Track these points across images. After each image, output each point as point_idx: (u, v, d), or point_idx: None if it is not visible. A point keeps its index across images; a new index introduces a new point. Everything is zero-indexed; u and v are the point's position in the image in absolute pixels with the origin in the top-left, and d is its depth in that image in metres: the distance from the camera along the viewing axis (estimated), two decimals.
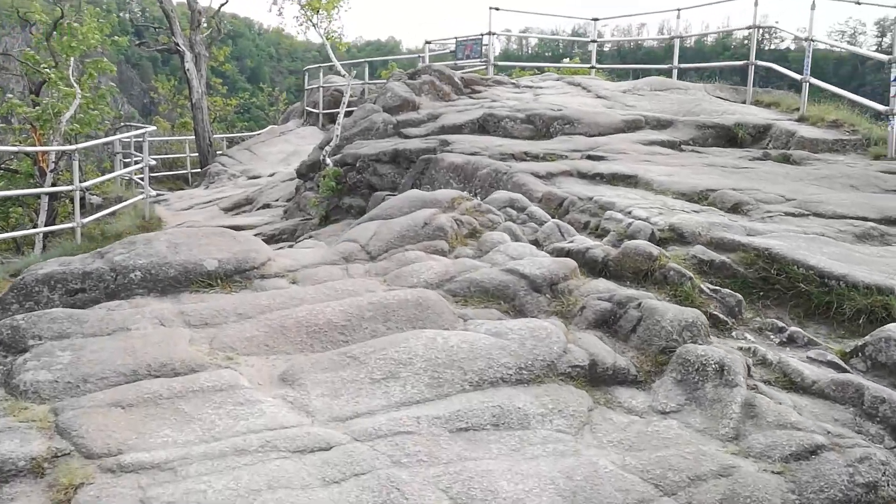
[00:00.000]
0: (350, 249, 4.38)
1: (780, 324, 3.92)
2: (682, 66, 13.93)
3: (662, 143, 9.16)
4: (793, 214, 5.93)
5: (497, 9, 14.65)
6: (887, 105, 8.48)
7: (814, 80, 10.37)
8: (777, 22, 11.44)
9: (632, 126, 9.90)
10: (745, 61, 12.38)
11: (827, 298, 4.21)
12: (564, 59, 16.87)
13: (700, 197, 6.41)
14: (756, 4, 12.18)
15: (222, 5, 22.80)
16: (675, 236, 5.03)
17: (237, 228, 11.03)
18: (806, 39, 10.33)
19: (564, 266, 3.94)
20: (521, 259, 4.08)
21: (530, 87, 12.89)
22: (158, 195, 17.15)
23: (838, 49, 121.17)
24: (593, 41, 15.24)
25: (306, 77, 23.04)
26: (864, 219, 5.82)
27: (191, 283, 3.98)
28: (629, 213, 5.42)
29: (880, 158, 8.31)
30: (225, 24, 30.77)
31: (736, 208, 6.13)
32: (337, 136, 10.32)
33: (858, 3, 9.61)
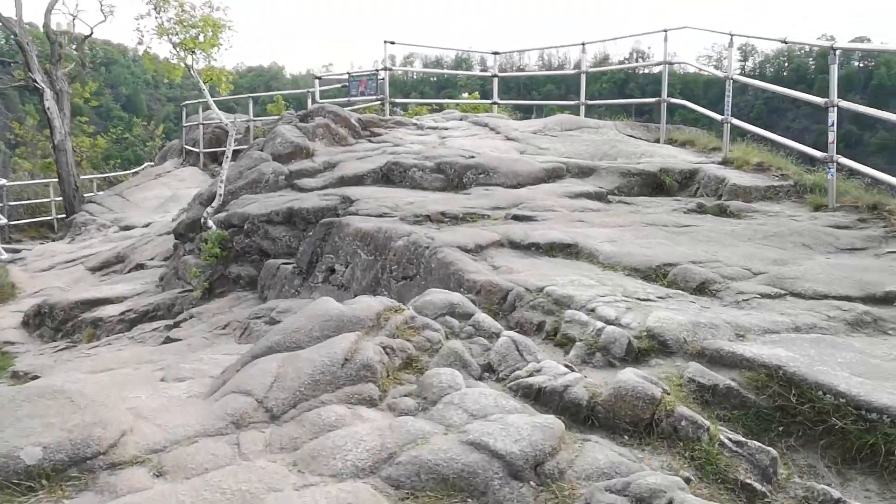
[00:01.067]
0: (242, 408, 3.11)
1: (833, 493, 2.93)
2: (591, 102, 13.26)
3: (589, 195, 8.27)
4: (769, 296, 5.05)
5: (393, 42, 13.60)
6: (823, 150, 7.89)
7: (735, 121, 9.78)
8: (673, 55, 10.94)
9: (553, 175, 8.99)
10: (658, 98, 11.77)
11: (870, 440, 3.27)
12: (463, 95, 16.02)
13: (658, 274, 5.47)
14: (666, 40, 11.60)
15: (87, 37, 20.74)
16: (657, 345, 4.01)
17: (103, 302, 9.45)
18: (726, 78, 9.73)
19: (549, 433, 2.82)
20: (486, 419, 2.93)
21: (434, 128, 11.86)
22: (14, 252, 15.10)
23: (706, 73, 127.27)
24: (495, 76, 14.40)
25: (184, 113, 21.28)
26: (848, 298, 5.01)
27: None
28: (592, 310, 4.38)
29: (821, 209, 7.68)
30: (96, 52, 28.46)
31: (703, 289, 5.21)
32: (220, 195, 8.92)
33: (785, 42, 9.09)
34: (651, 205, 8.35)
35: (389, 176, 9.35)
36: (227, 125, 10.00)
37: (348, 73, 14.82)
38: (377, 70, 13.92)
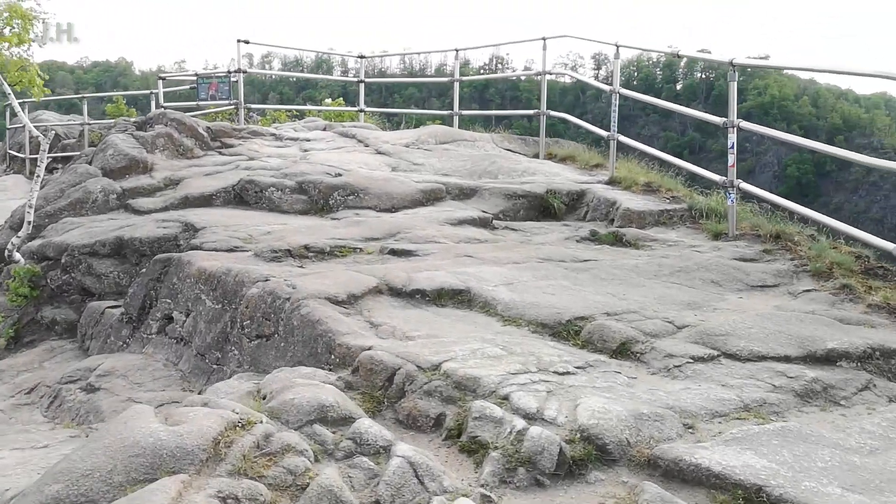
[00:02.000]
0: None
1: None
2: (466, 112, 12.40)
3: (474, 222, 7.34)
4: (702, 359, 4.26)
5: (247, 41, 12.22)
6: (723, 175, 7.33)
7: (623, 139, 9.14)
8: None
9: (431, 197, 7.99)
10: (537, 110, 11.05)
11: None
12: (326, 100, 14.79)
13: (570, 331, 4.57)
14: (545, 48, 10.89)
15: None
16: (594, 451, 3.07)
17: None
18: (611, 91, 9.07)
19: None
20: None
21: (295, 138, 10.59)
22: None
23: (562, 82, 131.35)
24: (361, 81, 13.26)
25: (8, 114, 18.80)
26: (787, 358, 4.30)
27: None
28: (505, 398, 3.38)
29: (721, 237, 7.07)
30: None
31: (624, 351, 4.34)
32: (28, 222, 7.31)
33: (677, 56, 8.52)
34: (540, 231, 7.52)
35: (243, 196, 8.05)
36: (36, 135, 8.31)
37: (196, 74, 13.25)
38: (229, 71, 12.47)
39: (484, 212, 7.80)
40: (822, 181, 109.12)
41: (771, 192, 7.89)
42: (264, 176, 8.26)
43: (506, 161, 9.96)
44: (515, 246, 6.59)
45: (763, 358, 4.29)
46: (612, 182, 8.99)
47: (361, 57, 13.53)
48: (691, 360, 4.21)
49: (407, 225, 6.92)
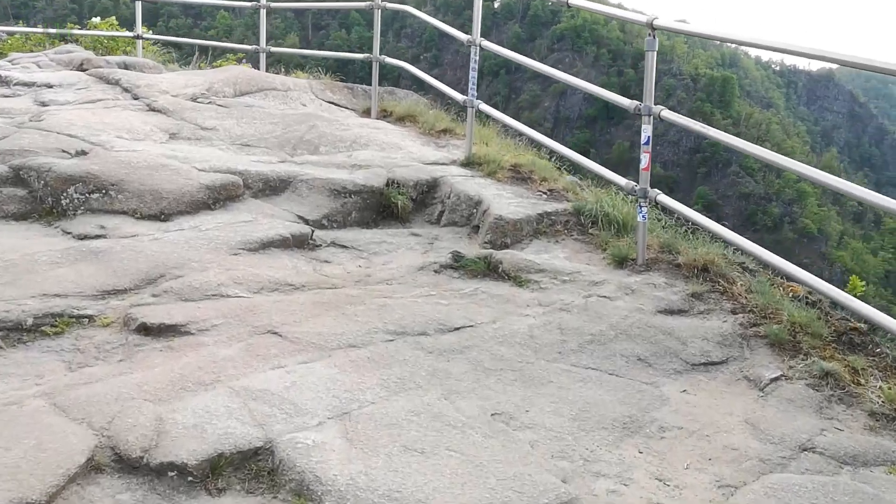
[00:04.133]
0: None
1: None
2: (276, 49, 9.55)
3: (284, 243, 4.91)
4: None
5: None
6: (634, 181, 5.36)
7: (486, 108, 6.91)
8: None
9: (222, 195, 5.40)
10: (368, 55, 8.52)
11: None
12: (94, 18, 11.30)
13: None
14: None
15: None
16: None
17: None
18: (469, 43, 6.75)
19: None
20: None
21: (30, 84, 7.41)
22: None
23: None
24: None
25: None
26: None
27: None
28: None
29: (627, 265, 5.11)
30: None
31: None
32: None
33: (568, 6, 6.30)
34: (382, 250, 5.23)
35: None
36: None
37: None
38: None
39: (301, 218, 5.36)
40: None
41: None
42: None
43: (329, 125, 7.45)
44: (348, 299, 4.24)
45: None
46: (469, 164, 6.79)
47: None
48: None
49: (178, 257, 4.36)
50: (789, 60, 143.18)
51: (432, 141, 7.84)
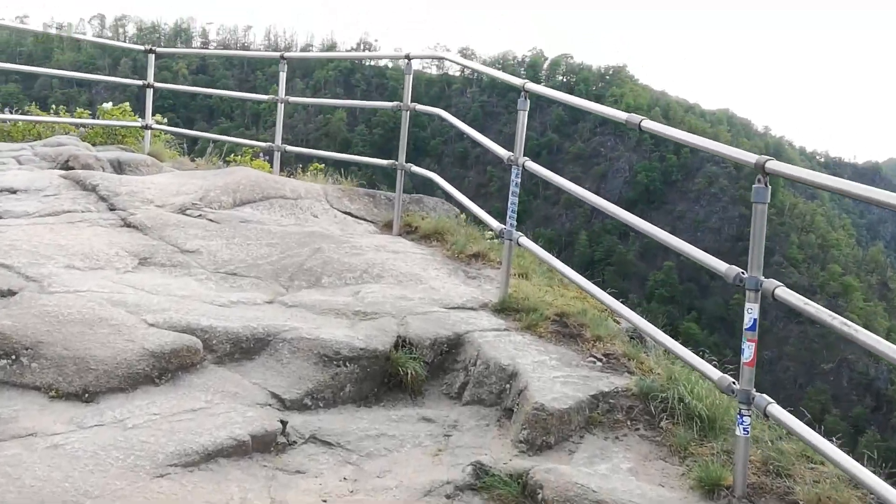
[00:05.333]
0: None
1: None
2: (294, 149, 8.36)
3: (241, 449, 3.49)
4: None
5: None
6: None
7: (527, 243, 5.55)
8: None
9: (172, 364, 4.02)
10: (393, 162, 7.26)
11: None
12: (105, 105, 10.29)
13: None
14: (409, 70, 7.11)
15: None
16: None
17: None
18: (511, 162, 5.44)
19: None
20: None
21: None
22: None
23: (429, 71, 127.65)
24: (148, 85, 8.88)
25: None
26: None
27: None
28: None
29: (719, 495, 3.61)
30: None
31: None
32: None
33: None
34: (379, 452, 3.82)
35: None
36: None
37: None
38: None
39: (275, 396, 3.98)
40: (669, 189, 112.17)
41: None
42: None
43: (338, 248, 6.14)
44: None
45: None
46: (504, 309, 5.40)
47: (150, 51, 9.18)
48: None
49: (71, 489, 2.97)
50: (835, 152, 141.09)
51: (461, 268, 6.48)
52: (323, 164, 8.74)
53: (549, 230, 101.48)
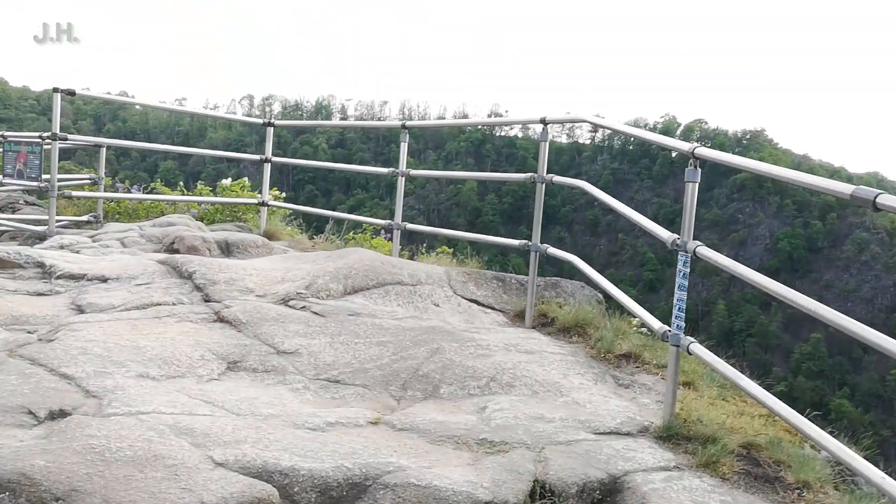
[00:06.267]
0: None
1: None
2: (414, 227, 7.41)
3: None
4: None
5: (71, 93, 7.47)
6: None
7: (700, 351, 4.29)
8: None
9: None
10: (526, 243, 6.20)
11: None
12: (223, 182, 9.90)
13: None
14: (545, 137, 6.09)
15: None
16: None
17: None
18: (676, 247, 4.24)
19: None
20: None
21: (77, 276, 5.67)
22: None
23: (559, 140, 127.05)
24: (266, 160, 8.38)
25: None
26: None
27: None
28: None
29: None
30: None
31: None
32: None
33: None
34: None
35: None
36: None
37: (2, 135, 8.41)
38: (41, 136, 7.68)
39: None
40: (814, 257, 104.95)
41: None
42: None
43: (461, 347, 5.08)
44: None
45: None
46: (671, 436, 4.13)
47: (269, 124, 8.70)
48: None
49: None
50: None
51: (610, 372, 5.26)
52: (448, 247, 7.79)
53: None
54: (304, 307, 5.45)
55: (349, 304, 5.64)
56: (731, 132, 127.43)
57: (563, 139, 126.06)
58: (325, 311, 5.41)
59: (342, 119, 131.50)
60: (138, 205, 9.73)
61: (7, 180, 7.87)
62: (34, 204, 10.44)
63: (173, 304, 5.16)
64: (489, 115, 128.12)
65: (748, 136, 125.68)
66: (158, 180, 11.17)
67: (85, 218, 9.39)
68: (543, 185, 6.14)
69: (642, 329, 6.09)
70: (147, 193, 10.64)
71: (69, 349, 4.24)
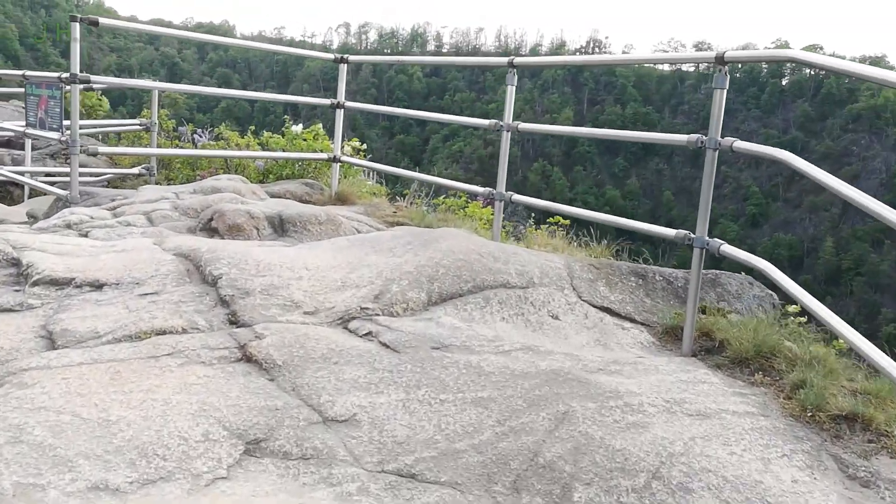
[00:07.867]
0: None
1: None
2: (524, 199, 5.49)
3: None
4: None
5: (94, 22, 5.85)
6: None
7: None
8: None
9: None
10: (682, 233, 4.27)
11: None
12: (294, 125, 8.30)
13: None
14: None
15: None
16: None
17: None
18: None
19: None
20: None
21: (63, 283, 4.10)
22: None
23: (661, 68, 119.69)
24: (339, 105, 6.61)
25: None
26: None
27: None
28: None
29: None
30: None
31: None
32: None
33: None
34: None
35: None
36: None
37: (23, 76, 6.91)
38: (60, 78, 6.10)
39: None
40: None
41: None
42: None
43: (601, 405, 3.28)
44: None
45: None
46: None
47: (342, 60, 6.84)
48: None
49: None
50: None
51: (827, 449, 3.35)
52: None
53: (789, 235, 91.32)
54: (368, 333, 3.73)
55: (434, 328, 3.88)
56: (848, 58, 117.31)
57: (666, 67, 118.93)
58: (398, 342, 3.67)
59: (437, 48, 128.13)
60: (199, 159, 8.20)
61: (30, 130, 6.46)
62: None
63: (181, 332, 3.52)
64: (588, 44, 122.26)
65: (868, 63, 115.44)
66: (224, 124, 9.60)
67: (135, 171, 7.93)
68: (716, 153, 4.15)
69: (850, 357, 4.16)
70: (212, 139, 9.13)
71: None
